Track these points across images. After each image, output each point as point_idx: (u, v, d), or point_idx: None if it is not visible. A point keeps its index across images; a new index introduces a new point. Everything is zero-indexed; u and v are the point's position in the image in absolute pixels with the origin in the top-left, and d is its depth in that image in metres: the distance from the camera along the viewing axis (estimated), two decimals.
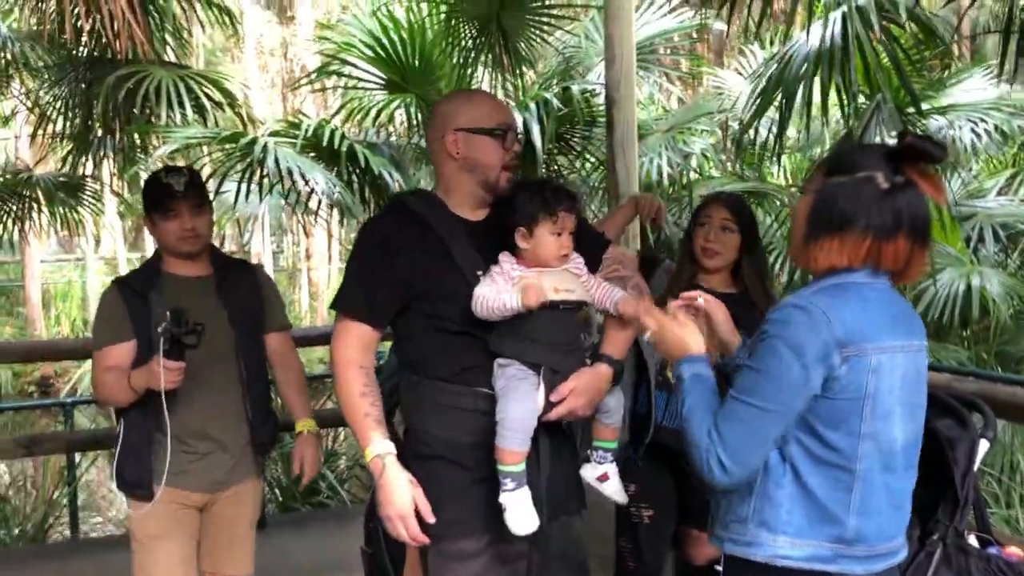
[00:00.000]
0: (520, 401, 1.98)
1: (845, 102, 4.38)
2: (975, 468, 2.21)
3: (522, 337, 2.02)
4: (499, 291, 2.01)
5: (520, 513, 1.99)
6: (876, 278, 1.72)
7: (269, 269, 17.08)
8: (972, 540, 2.23)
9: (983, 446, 2.22)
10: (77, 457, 4.94)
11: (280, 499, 5.06)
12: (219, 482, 2.68)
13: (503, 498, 2.00)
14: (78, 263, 18.99)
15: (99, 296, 2.72)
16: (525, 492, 2.00)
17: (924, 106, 5.87)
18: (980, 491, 2.30)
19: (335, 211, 5.89)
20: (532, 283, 1.98)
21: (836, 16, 4.29)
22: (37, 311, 15.11)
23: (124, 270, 16.92)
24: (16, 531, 4.67)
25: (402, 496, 2.03)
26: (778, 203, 6.33)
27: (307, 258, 16.97)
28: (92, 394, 2.80)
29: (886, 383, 1.69)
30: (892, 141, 4.33)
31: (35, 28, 6.40)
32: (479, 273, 2.09)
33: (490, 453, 2.05)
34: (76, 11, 5.79)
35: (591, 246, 2.26)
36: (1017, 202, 6.29)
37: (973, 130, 6.14)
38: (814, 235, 1.71)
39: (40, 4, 5.98)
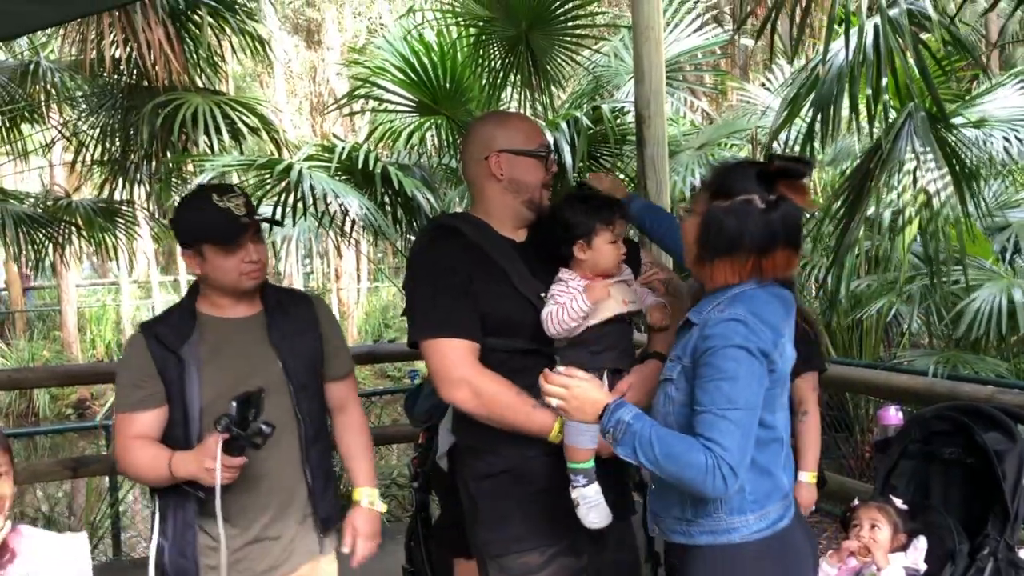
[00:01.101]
0: None
1: (875, 114, 4.37)
2: None
3: (590, 350, 2.10)
4: (565, 303, 2.08)
5: (593, 508, 2.05)
6: (762, 286, 1.89)
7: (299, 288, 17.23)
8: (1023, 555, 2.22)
9: None
10: (119, 478, 5.01)
11: None
12: (276, 566, 2.25)
13: (575, 494, 2.05)
14: (112, 287, 19.28)
15: (126, 343, 2.26)
16: (596, 488, 2.06)
17: (958, 120, 5.85)
18: None
19: (367, 232, 5.96)
20: (592, 284, 2.08)
21: (869, 28, 4.29)
22: (73, 335, 15.33)
23: (157, 294, 17.15)
24: None
25: None
26: (808, 216, 6.31)
27: (337, 278, 17.10)
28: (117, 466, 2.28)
29: (789, 359, 1.90)
30: (921, 151, 4.32)
31: (73, 58, 6.56)
32: (542, 295, 2.14)
33: (552, 466, 2.10)
34: (114, 40, 5.98)
35: (631, 252, 2.31)
36: None
37: (1005, 139, 6.08)
38: (706, 256, 1.89)
39: (79, 34, 6.13)
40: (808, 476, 2.71)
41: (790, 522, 1.93)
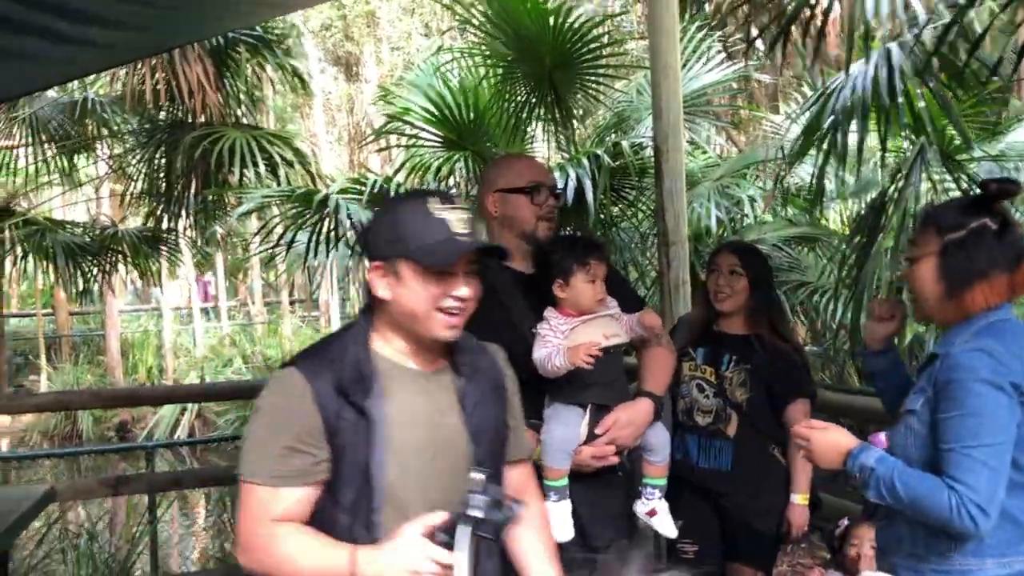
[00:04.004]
0: (563, 425, 2.20)
1: (889, 146, 4.44)
2: None
3: (577, 384, 2.22)
4: (550, 353, 2.21)
5: (560, 522, 2.19)
6: (1006, 309, 1.91)
7: (335, 317, 17.52)
8: None
9: None
10: (158, 497, 5.22)
11: None
12: None
13: (546, 506, 2.17)
14: (153, 312, 19.72)
15: (270, 386, 1.63)
16: (566, 504, 2.20)
17: (976, 152, 5.89)
18: None
19: None
20: (575, 345, 2.18)
21: (879, 55, 4.32)
22: (116, 359, 15.73)
23: (198, 320, 17.50)
24: (102, 568, 4.94)
25: None
26: (831, 247, 6.40)
27: None
28: (240, 553, 1.63)
29: None
30: (939, 182, 4.31)
31: (117, 94, 6.90)
32: (533, 331, 2.28)
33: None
34: (156, 79, 6.30)
35: (630, 301, 2.45)
36: None
37: None
38: (959, 287, 1.88)
39: (125, 74, 6.47)
40: (799, 498, 2.82)
41: None
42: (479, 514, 1.47)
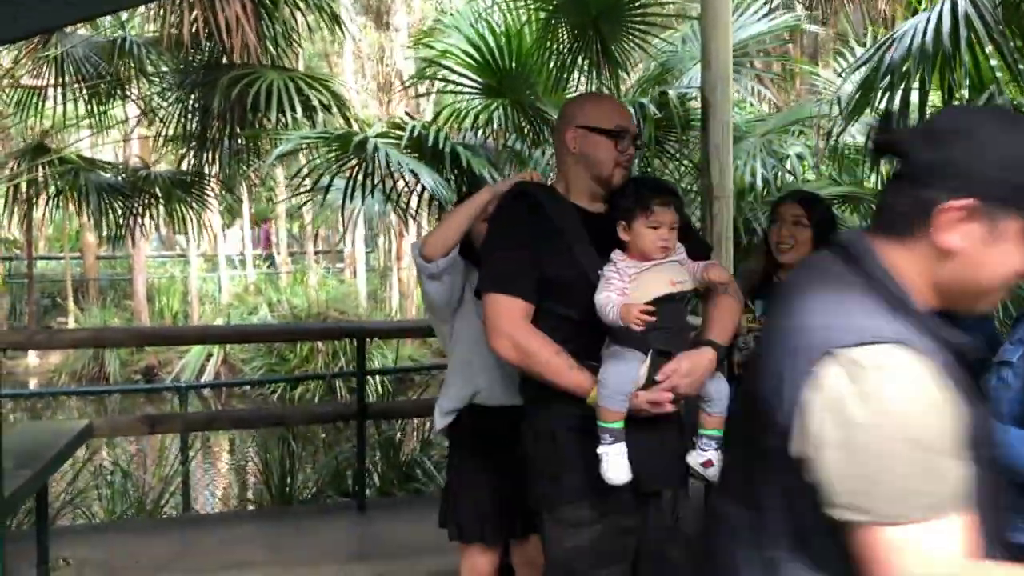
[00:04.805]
0: (622, 367, 2.13)
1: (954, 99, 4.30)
2: None
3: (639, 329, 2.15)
4: (608, 299, 2.15)
5: (616, 464, 2.14)
6: None
7: (361, 269, 17.54)
8: None
9: None
10: (190, 438, 5.26)
11: (378, 484, 5.29)
12: None
13: (601, 450, 2.15)
14: (179, 259, 19.82)
15: (890, 379, 1.10)
16: (621, 447, 2.15)
17: None
18: None
19: (433, 210, 6.10)
20: (627, 303, 2.12)
21: (943, 5, 4.16)
22: (143, 304, 15.86)
23: (223, 267, 17.56)
24: (135, 505, 4.99)
25: None
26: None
27: (398, 258, 17.33)
28: None
29: None
30: None
31: (153, 34, 6.81)
32: (599, 272, 2.22)
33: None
34: (194, 15, 6.20)
35: (698, 249, 2.39)
36: None
37: None
38: None
39: (159, 12, 6.37)
40: None
41: None
42: None
